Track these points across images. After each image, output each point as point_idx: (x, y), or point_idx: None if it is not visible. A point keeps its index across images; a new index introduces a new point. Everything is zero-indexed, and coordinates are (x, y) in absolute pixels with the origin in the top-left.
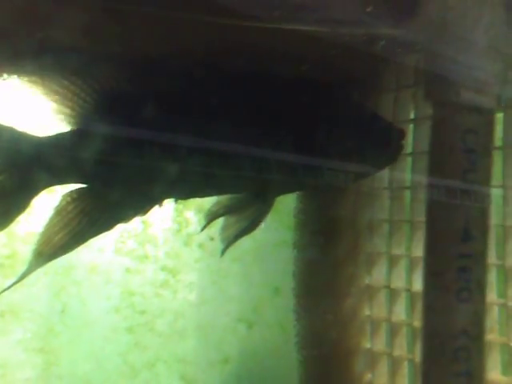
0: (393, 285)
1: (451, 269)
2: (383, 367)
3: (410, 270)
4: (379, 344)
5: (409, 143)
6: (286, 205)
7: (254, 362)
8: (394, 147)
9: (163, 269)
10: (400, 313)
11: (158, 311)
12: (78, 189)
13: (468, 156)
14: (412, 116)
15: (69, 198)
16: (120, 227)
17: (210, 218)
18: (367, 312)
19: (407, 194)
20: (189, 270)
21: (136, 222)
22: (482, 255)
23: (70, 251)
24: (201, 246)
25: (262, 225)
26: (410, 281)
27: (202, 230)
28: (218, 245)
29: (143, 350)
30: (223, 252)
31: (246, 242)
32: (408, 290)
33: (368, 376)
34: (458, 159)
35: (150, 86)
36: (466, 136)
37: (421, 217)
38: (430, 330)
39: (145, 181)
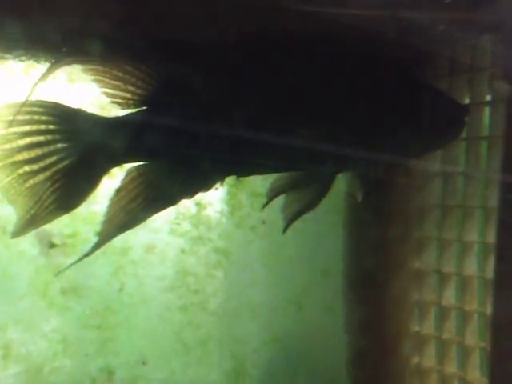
0: (444, 269)
1: None
2: (431, 350)
3: (462, 254)
4: (428, 327)
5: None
6: (336, 188)
7: (303, 342)
8: (457, 123)
9: (216, 250)
10: (450, 297)
11: (211, 291)
12: (143, 164)
13: None
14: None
15: (134, 173)
16: (175, 209)
17: (272, 194)
18: (416, 296)
19: (460, 179)
20: (241, 251)
21: (191, 205)
22: None
23: (135, 226)
24: (253, 228)
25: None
26: (460, 265)
27: (264, 206)
28: (269, 228)
29: (196, 328)
30: (285, 230)
31: (296, 224)
32: (458, 274)
33: (416, 359)
34: None
35: (214, 73)
36: None
37: (473, 202)
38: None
39: (207, 158)
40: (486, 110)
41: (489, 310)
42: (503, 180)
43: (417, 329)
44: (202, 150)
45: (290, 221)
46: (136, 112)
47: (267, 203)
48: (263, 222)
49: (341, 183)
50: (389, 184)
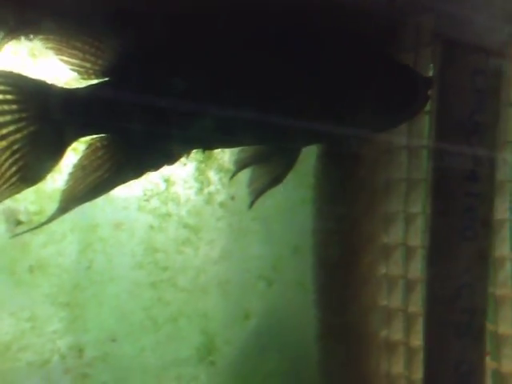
0: (409, 243)
1: (457, 207)
2: (399, 323)
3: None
4: (395, 301)
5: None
6: (306, 164)
7: (274, 318)
8: (421, 97)
9: (185, 226)
10: (416, 270)
11: (181, 267)
12: (107, 136)
13: (476, 96)
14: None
15: (97, 145)
16: (143, 186)
17: (238, 166)
18: (384, 270)
19: (424, 152)
20: (210, 228)
21: (159, 181)
22: (487, 195)
23: (97, 197)
24: (222, 204)
25: (283, 183)
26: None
27: (231, 178)
28: (238, 204)
29: (166, 305)
30: (251, 205)
31: (266, 200)
32: (424, 247)
33: (384, 332)
34: (466, 99)
35: (174, 46)
36: (474, 77)
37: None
38: (435, 269)
39: (168, 132)
40: None
41: None
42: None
43: (385, 302)
44: (164, 123)
45: (255, 196)
46: (96, 84)
47: (233, 175)
48: (232, 198)
49: (310, 158)
50: (355, 159)
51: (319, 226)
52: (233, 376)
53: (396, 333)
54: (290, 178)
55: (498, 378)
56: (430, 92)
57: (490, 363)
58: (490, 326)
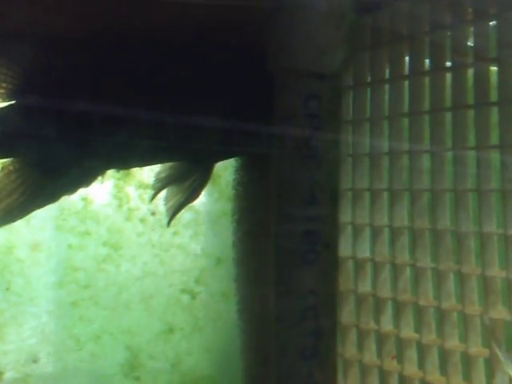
0: None
1: (297, 231)
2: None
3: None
4: None
5: None
6: (226, 177)
7: (197, 330)
8: None
9: (105, 244)
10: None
11: (102, 285)
12: (19, 159)
13: (311, 121)
14: None
15: (11, 167)
16: (59, 206)
17: (157, 187)
18: None
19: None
20: (131, 244)
21: (76, 200)
22: (329, 218)
23: (13, 221)
24: (142, 220)
25: (203, 196)
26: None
27: (151, 200)
28: (159, 219)
29: (88, 323)
30: (169, 223)
31: (186, 214)
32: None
33: None
34: (300, 124)
35: (78, 62)
36: (308, 102)
37: (362, 184)
38: (280, 291)
39: (81, 154)
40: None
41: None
42: None
43: None
44: (75, 146)
45: (172, 213)
46: (2, 107)
47: (154, 196)
48: (153, 214)
49: (230, 171)
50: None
51: (240, 237)
52: None
53: (348, 316)
54: (211, 190)
55: (402, 381)
56: None
57: (395, 366)
58: (393, 331)
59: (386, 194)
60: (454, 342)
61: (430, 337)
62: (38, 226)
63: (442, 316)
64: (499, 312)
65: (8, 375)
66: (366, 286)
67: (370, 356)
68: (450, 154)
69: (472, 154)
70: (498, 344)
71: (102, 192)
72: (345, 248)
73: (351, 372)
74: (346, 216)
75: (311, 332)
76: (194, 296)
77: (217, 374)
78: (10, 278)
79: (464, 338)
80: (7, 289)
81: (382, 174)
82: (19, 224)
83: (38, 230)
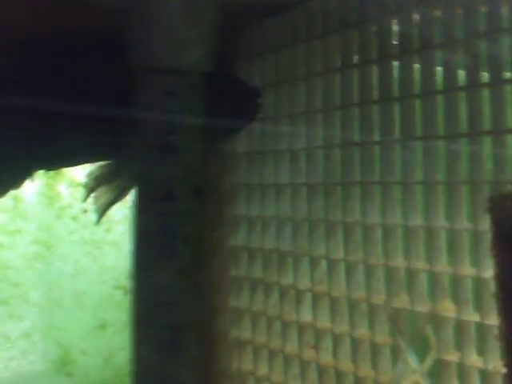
0: (252, 245)
1: (154, 226)
2: (247, 323)
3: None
4: (243, 302)
5: None
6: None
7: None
8: (251, 107)
9: (36, 242)
10: (259, 271)
11: (32, 283)
12: None
13: (169, 117)
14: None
15: None
16: None
17: (90, 187)
18: (233, 272)
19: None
20: (62, 242)
21: (6, 199)
22: (189, 214)
23: None
24: (74, 218)
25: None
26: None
27: (85, 200)
28: (91, 217)
29: (19, 320)
30: (98, 221)
31: (118, 211)
32: (262, 249)
33: (234, 332)
34: (158, 120)
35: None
36: (166, 98)
37: (270, 179)
38: (136, 285)
39: (8, 156)
40: None
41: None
42: None
43: (235, 303)
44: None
45: (101, 212)
46: None
47: (87, 196)
48: (85, 211)
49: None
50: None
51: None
52: None
53: (245, 332)
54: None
55: (319, 370)
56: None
57: (314, 356)
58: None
59: (305, 189)
60: (363, 331)
61: (342, 327)
62: None
63: (352, 306)
64: (402, 301)
65: None
66: (288, 279)
67: (291, 346)
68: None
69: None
70: (399, 332)
71: (33, 190)
72: (265, 241)
73: (276, 362)
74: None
75: (167, 326)
76: (126, 292)
77: None
78: None
79: (371, 327)
80: None
81: (302, 170)
82: None
83: None
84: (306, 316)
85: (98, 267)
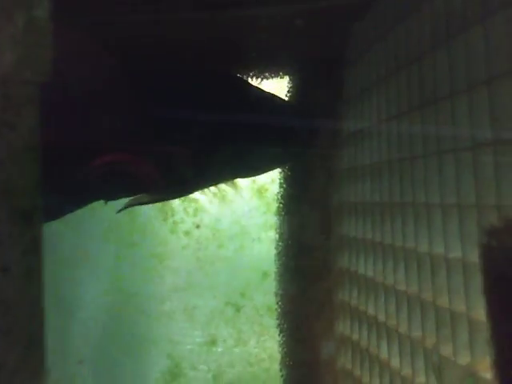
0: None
1: None
2: None
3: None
4: None
5: None
6: (272, 191)
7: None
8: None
9: (151, 255)
10: None
11: (146, 294)
12: None
13: None
14: None
15: None
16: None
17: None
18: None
19: None
20: (175, 256)
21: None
22: (11, 239)
23: None
24: (187, 233)
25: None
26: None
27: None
28: (203, 232)
29: (132, 329)
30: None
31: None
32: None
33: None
34: None
35: None
36: None
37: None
38: None
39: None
40: None
41: None
42: None
43: None
44: None
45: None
46: None
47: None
48: (197, 226)
49: (276, 186)
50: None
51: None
52: None
53: None
54: (258, 204)
55: None
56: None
57: None
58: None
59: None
60: None
61: None
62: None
63: None
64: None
65: None
66: None
67: None
68: None
69: None
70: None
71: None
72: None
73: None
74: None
75: None
76: (238, 309)
77: None
78: None
79: None
80: None
81: None
82: None
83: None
84: None
85: (210, 282)
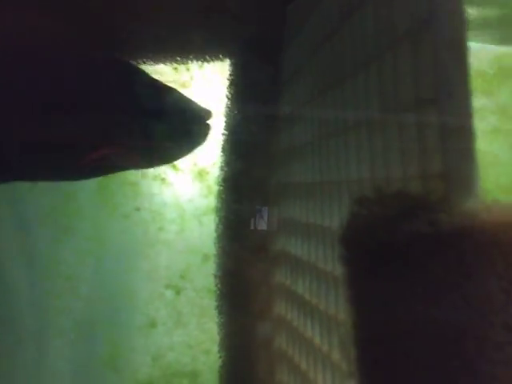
0: None
1: None
2: None
3: None
4: None
5: None
6: (213, 174)
7: None
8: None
9: (89, 239)
10: None
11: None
12: None
13: None
14: None
15: None
16: None
17: None
18: None
19: None
20: (115, 240)
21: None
22: None
23: None
24: (126, 216)
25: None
26: None
27: None
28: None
29: (69, 313)
30: None
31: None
32: None
33: None
34: None
35: None
36: None
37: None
38: None
39: None
40: None
41: None
42: None
43: None
44: None
45: None
46: None
47: None
48: (137, 210)
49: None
50: None
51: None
52: None
53: None
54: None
55: None
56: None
57: None
58: None
59: None
60: None
61: None
62: None
63: None
64: None
65: None
66: None
67: None
68: None
69: None
70: None
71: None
72: None
73: None
74: None
75: None
76: (178, 292)
77: None
78: None
79: None
80: None
81: None
82: None
83: None
84: None
85: (150, 265)
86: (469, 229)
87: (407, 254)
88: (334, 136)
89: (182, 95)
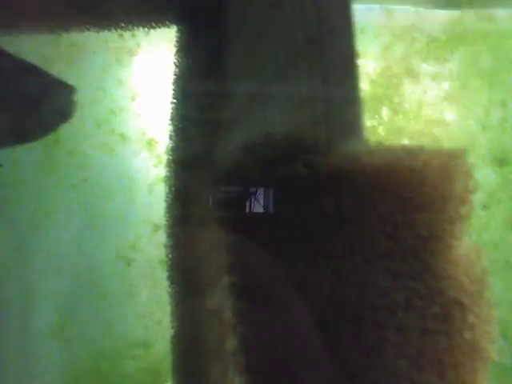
0: None
1: None
2: None
3: None
4: None
5: None
6: (162, 143)
7: None
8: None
9: (36, 211)
10: None
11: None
12: None
13: None
14: None
15: None
16: None
17: None
18: None
19: None
20: (62, 210)
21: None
22: None
23: None
24: (74, 187)
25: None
26: None
27: None
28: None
29: (17, 283)
30: None
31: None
32: None
33: None
34: None
35: None
36: None
37: None
38: None
39: None
40: None
41: None
42: None
43: None
44: None
45: None
46: None
47: None
48: (85, 180)
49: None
50: None
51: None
52: None
53: None
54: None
55: None
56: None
57: None
58: None
59: None
60: None
61: None
62: None
63: None
64: None
65: None
66: None
67: None
68: None
69: None
70: None
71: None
72: None
73: None
74: None
75: None
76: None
77: None
78: None
79: None
80: None
81: None
82: None
83: None
84: None
85: (99, 236)
86: (349, 172)
87: (285, 198)
88: None
89: (42, 71)
